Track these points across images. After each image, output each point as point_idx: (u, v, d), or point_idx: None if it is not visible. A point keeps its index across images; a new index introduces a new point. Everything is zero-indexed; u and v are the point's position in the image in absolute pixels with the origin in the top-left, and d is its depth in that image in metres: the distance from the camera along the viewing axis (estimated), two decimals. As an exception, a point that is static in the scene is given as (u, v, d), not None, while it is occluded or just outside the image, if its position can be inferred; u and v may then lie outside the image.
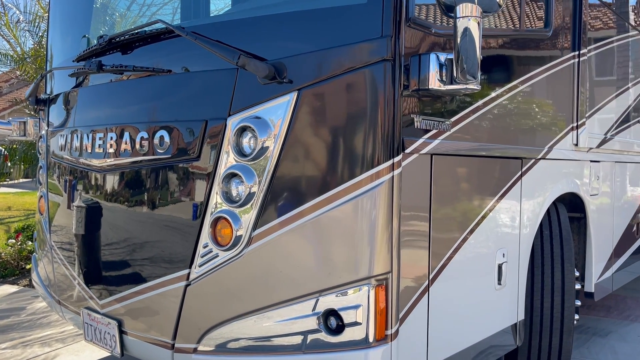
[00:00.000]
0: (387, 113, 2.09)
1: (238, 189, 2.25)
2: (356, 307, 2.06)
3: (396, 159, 2.10)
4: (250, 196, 2.21)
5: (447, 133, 2.40)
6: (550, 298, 3.21)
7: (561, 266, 3.25)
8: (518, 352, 3.29)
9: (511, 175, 2.91)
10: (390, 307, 2.10)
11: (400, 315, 2.17)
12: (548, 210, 3.42)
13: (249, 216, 2.22)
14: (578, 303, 3.64)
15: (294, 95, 2.16)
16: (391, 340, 2.10)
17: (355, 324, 2.07)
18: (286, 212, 2.16)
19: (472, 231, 2.58)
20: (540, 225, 3.37)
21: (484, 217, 2.67)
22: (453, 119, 2.44)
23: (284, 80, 2.17)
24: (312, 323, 2.12)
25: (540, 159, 3.19)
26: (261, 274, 2.23)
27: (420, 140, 2.24)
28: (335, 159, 2.12)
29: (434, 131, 2.32)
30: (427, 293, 2.30)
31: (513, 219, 2.96)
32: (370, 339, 2.06)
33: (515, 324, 3.04)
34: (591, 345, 4.47)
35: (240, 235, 2.24)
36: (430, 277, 2.32)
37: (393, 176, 2.09)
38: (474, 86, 2.18)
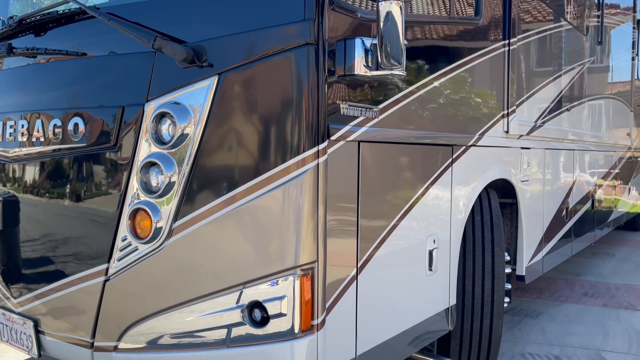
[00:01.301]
0: (311, 99, 2.03)
1: (157, 179, 2.14)
2: (281, 298, 2.01)
3: (321, 146, 2.05)
4: (170, 186, 2.12)
5: (375, 120, 2.37)
6: (481, 282, 3.27)
7: (491, 251, 3.31)
8: (451, 336, 3.33)
9: (441, 162, 2.92)
10: (316, 297, 2.06)
11: (327, 305, 2.13)
12: (480, 196, 3.48)
13: (169, 207, 2.13)
14: (508, 286, 3.73)
15: (214, 79, 2.07)
16: (317, 330, 2.07)
17: (280, 315, 2.02)
18: (207, 203, 2.08)
19: (401, 218, 2.57)
20: (472, 211, 3.42)
21: (413, 205, 2.67)
22: (381, 106, 2.41)
23: (204, 64, 2.07)
24: (236, 316, 2.06)
25: (471, 145, 3.22)
26: (183, 267, 2.14)
27: (347, 127, 2.19)
28: (257, 147, 2.05)
29: (361, 118, 2.28)
30: (355, 281, 2.28)
31: (444, 205, 2.98)
32: (296, 330, 2.02)
33: (448, 309, 3.07)
34: (523, 327, 4.61)
35: (160, 227, 2.14)
36: (359, 265, 2.30)
37: (318, 164, 2.04)
38: (399, 72, 2.15)
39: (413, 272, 2.72)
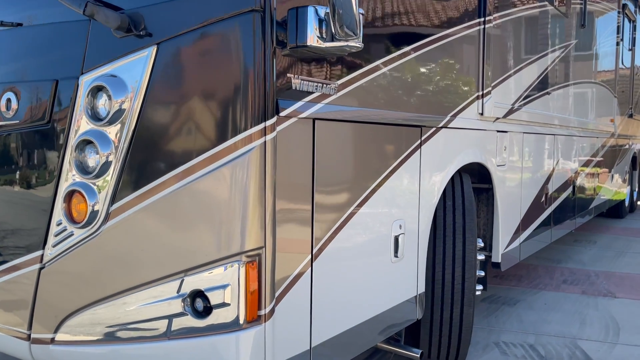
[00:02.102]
0: (257, 72, 1.87)
1: (93, 158, 1.98)
2: (224, 286, 1.86)
3: (269, 123, 1.90)
4: (106, 166, 1.96)
5: (333, 97, 2.21)
6: (451, 269, 3.15)
7: (462, 237, 3.19)
8: (420, 325, 3.22)
9: (409, 144, 2.78)
10: (263, 285, 1.91)
11: (277, 294, 1.99)
12: (453, 180, 3.35)
13: (105, 189, 1.97)
14: (482, 274, 3.62)
15: (153, 50, 1.90)
16: (265, 321, 1.93)
17: (224, 305, 1.87)
18: (146, 184, 1.92)
19: (362, 203, 2.43)
20: (444, 195, 3.29)
21: (377, 188, 2.53)
22: (340, 82, 2.25)
23: (142, 34, 1.90)
24: (177, 306, 1.91)
25: (442, 127, 3.08)
26: (121, 253, 1.98)
27: (299, 104, 2.04)
28: (199, 124, 1.89)
29: (317, 94, 2.13)
30: (309, 269, 2.14)
31: (411, 189, 2.84)
32: (241, 321, 1.88)
33: (416, 297, 2.95)
34: (499, 315, 4.52)
35: (97, 211, 1.98)
36: (314, 251, 2.15)
37: (265, 142, 1.89)
38: (355, 43, 2.00)
39: (376, 259, 2.58)
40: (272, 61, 1.91)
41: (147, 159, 1.93)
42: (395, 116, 2.67)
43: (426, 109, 2.94)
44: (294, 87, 2.02)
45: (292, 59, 2.02)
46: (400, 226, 2.74)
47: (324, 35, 1.98)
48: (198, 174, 1.88)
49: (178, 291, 1.91)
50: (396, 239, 2.71)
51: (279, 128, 1.95)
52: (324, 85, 2.16)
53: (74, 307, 2.07)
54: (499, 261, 4.02)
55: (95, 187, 1.98)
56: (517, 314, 4.54)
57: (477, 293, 3.61)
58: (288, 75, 1.99)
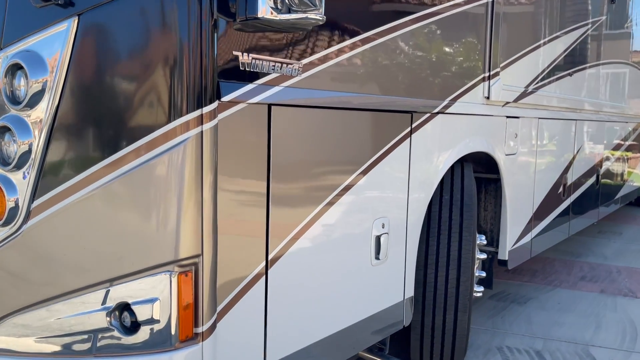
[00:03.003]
0: (193, 48, 1.58)
1: (11, 147, 1.73)
2: (152, 300, 1.60)
3: (207, 109, 1.61)
4: (25, 156, 1.70)
5: (297, 79, 1.91)
6: (445, 271, 2.84)
7: (459, 235, 2.87)
8: (410, 331, 2.93)
9: (396, 132, 2.46)
10: (201, 298, 1.65)
11: (220, 308, 1.72)
12: (452, 171, 3.02)
13: (25, 183, 1.71)
14: (482, 274, 3.30)
15: (74, 22, 1.62)
16: (203, 340, 1.66)
17: (153, 321, 1.61)
18: (68, 179, 1.66)
19: (334, 201, 2.13)
20: (441, 188, 2.97)
21: (354, 183, 2.22)
22: (306, 61, 1.94)
23: (61, 2, 1.62)
24: (103, 320, 1.66)
25: (438, 113, 2.74)
26: (44, 256, 1.74)
27: (250, 87, 1.74)
28: (126, 110, 1.61)
29: (275, 75, 1.82)
30: (264, 278, 1.86)
31: (398, 183, 2.53)
32: (173, 340, 1.62)
33: (402, 302, 2.66)
34: (507, 314, 4.19)
35: (17, 208, 1.73)
36: (269, 257, 1.87)
37: (202, 131, 1.60)
38: (315, 16, 1.69)
39: (352, 262, 2.29)
40: (211, 36, 1.61)
41: (69, 150, 1.67)
42: (379, 101, 2.35)
43: (418, 93, 2.61)
44: (243, 68, 1.72)
45: (242, 35, 1.71)
46: (384, 225, 2.43)
47: (279, 6, 1.67)
48: (125, 168, 1.60)
49: (103, 303, 1.65)
50: (378, 239, 2.41)
51: (221, 115, 1.65)
52: (285, 65, 1.86)
53: (-3, 314, 1.84)
54: (506, 259, 3.69)
55: (14, 180, 1.73)
56: (527, 314, 4.21)
57: (478, 294, 3.31)
58: (235, 53, 1.69)
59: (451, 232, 2.86)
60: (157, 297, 1.60)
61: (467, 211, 2.91)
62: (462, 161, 3.15)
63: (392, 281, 2.56)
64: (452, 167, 3.04)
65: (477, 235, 3.37)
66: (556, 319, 4.12)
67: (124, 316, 1.65)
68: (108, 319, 1.65)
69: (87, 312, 1.67)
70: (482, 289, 3.30)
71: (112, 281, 1.64)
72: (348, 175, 2.19)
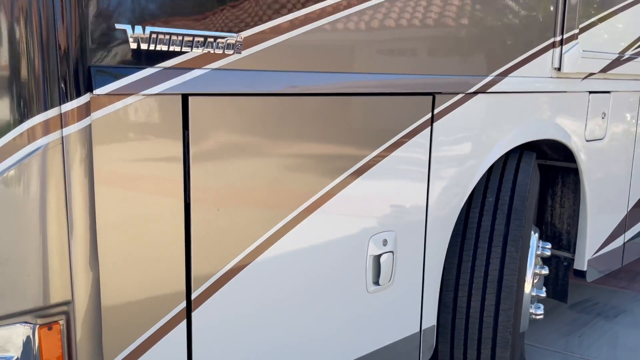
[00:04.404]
0: (46, 16, 1.13)
1: None
2: (7, 359, 1.23)
3: (70, 106, 1.17)
4: None
5: (232, 58, 1.41)
6: (480, 295, 2.23)
7: (502, 250, 2.23)
8: (438, 362, 2.39)
9: (405, 121, 1.87)
10: (75, 358, 1.25)
11: (112, 365, 1.32)
12: (505, 164, 2.38)
13: None
14: (541, 294, 2.63)
15: None
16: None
17: (13, 384, 1.25)
18: None
19: (298, 219, 1.62)
20: (486, 186, 2.34)
21: (332, 194, 1.70)
22: (248, 32, 1.43)
23: None
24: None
25: (476, 92, 2.10)
26: None
27: (150, 71, 1.27)
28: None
29: (194, 54, 1.34)
30: (184, 320, 1.42)
31: (411, 187, 1.95)
32: (39, 409, 1.25)
33: (418, 334, 2.11)
34: (587, 333, 3.45)
35: None
36: (195, 294, 1.43)
37: (63, 137, 1.17)
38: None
39: (334, 292, 1.78)
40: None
41: None
42: (380, 83, 1.78)
43: (443, 68, 1.98)
44: (136, 46, 1.25)
45: (136, -1, 1.24)
46: (386, 241, 1.89)
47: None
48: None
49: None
50: (377, 260, 1.87)
51: (98, 114, 1.21)
52: (212, 40, 1.36)
53: None
54: (584, 269, 2.97)
55: None
56: (613, 334, 3.43)
57: (538, 317, 2.65)
58: (119, 26, 1.22)
59: (491, 245, 2.24)
60: (11, 356, 1.22)
61: (516, 219, 2.25)
62: (522, 148, 2.48)
63: (400, 309, 2.02)
64: (505, 158, 2.39)
65: (541, 243, 2.69)
66: (652, 343, 3.32)
67: (-14, 371, 1.30)
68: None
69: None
70: (541, 310, 2.63)
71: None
72: (323, 183, 1.67)
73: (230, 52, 1.40)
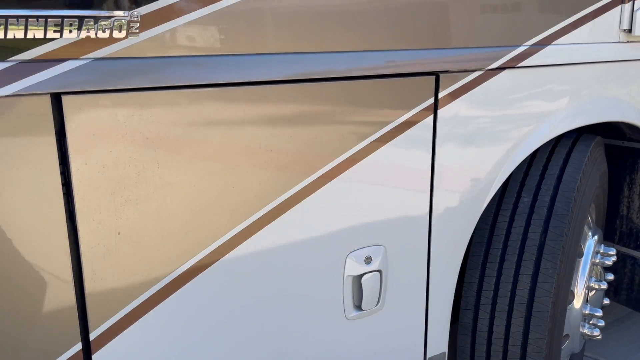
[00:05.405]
0: None
1: None
2: None
3: None
4: None
5: (125, 43, 1.10)
6: (505, 320, 1.81)
7: (535, 266, 1.78)
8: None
9: (396, 110, 1.48)
10: None
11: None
12: (552, 152, 1.91)
13: None
14: (597, 312, 2.14)
15: None
16: None
17: None
18: None
19: (247, 234, 1.31)
20: (522, 183, 1.90)
21: (293, 202, 1.36)
22: (151, 9, 1.11)
23: None
24: None
25: (502, 68, 1.64)
26: None
27: (3, 65, 1.00)
28: None
29: (65, 41, 1.05)
30: (81, 365, 1.19)
31: (406, 190, 1.56)
32: None
33: (422, 363, 1.75)
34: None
35: None
36: (94, 337, 1.18)
37: None
38: None
39: (299, 322, 1.47)
40: None
41: None
42: (348, 64, 1.39)
43: (447, 39, 1.54)
44: (-18, 34, 0.97)
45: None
46: (369, 259, 1.53)
47: None
48: None
49: None
50: (358, 280, 1.53)
51: None
52: (93, 21, 1.06)
53: None
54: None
55: None
56: None
57: (596, 337, 2.18)
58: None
59: (522, 258, 1.80)
60: None
61: (556, 226, 1.78)
62: (580, 131, 1.99)
63: (395, 337, 1.67)
64: (555, 143, 1.92)
65: (603, 248, 2.19)
66: None
67: None
68: None
69: None
70: (598, 332, 2.15)
71: None
72: (271, 196, 1.34)
73: (121, 35, 1.09)
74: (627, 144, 2.55)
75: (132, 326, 1.22)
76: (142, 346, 1.23)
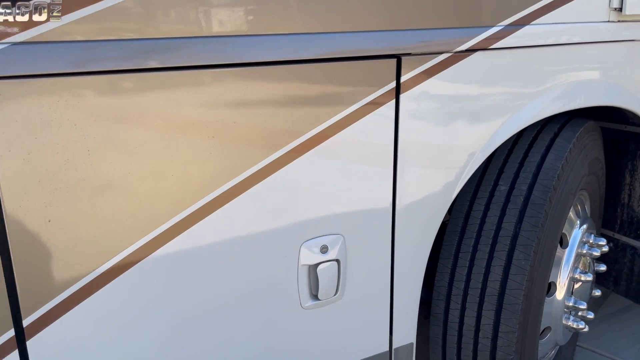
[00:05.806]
0: None
1: None
2: None
3: None
4: None
5: (47, 26, 1.07)
6: (475, 311, 1.76)
7: (507, 257, 1.71)
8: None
9: (353, 96, 1.42)
10: None
11: None
12: (537, 135, 1.83)
13: None
14: (582, 305, 2.05)
15: None
16: None
17: None
18: None
19: (191, 221, 1.29)
20: (501, 171, 1.82)
21: (234, 194, 1.33)
22: (75, -10, 1.07)
23: None
24: None
25: (472, 50, 1.55)
26: None
27: None
28: None
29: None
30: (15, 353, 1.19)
31: (366, 178, 1.51)
32: None
33: (387, 353, 1.71)
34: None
35: None
36: (27, 323, 1.18)
37: None
38: None
39: (248, 312, 1.44)
40: None
41: None
42: (298, 47, 1.33)
43: (409, 18, 1.46)
44: None
45: None
46: (325, 248, 1.49)
47: None
48: None
49: None
50: (314, 270, 1.49)
51: None
52: (10, 3, 1.03)
53: None
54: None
55: None
56: None
57: (581, 330, 2.10)
58: None
59: (494, 249, 1.73)
60: None
61: (532, 216, 1.71)
62: (570, 115, 1.90)
63: (357, 327, 1.63)
64: (540, 129, 1.84)
65: (593, 238, 2.10)
66: None
67: None
68: None
69: None
70: (583, 325, 2.07)
71: None
72: (220, 181, 1.30)
73: (42, 18, 1.06)
74: (629, 128, 2.43)
75: (68, 313, 1.21)
76: (79, 334, 1.23)
